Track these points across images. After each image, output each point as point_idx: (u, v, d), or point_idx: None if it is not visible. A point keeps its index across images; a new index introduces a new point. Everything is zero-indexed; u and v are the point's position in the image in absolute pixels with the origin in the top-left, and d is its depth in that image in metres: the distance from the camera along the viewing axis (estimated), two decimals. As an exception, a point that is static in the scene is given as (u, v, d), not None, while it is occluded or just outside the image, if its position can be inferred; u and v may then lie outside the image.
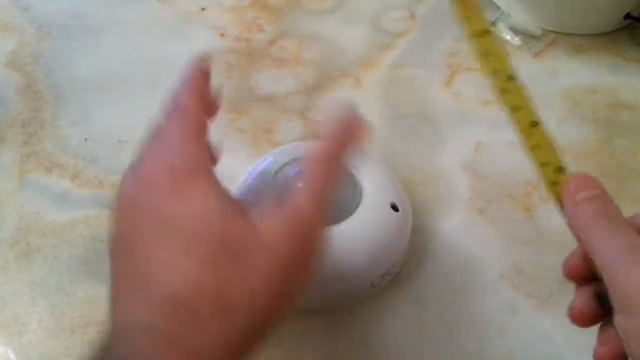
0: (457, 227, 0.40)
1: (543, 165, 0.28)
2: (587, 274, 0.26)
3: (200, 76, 0.31)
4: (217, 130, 0.45)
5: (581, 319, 0.26)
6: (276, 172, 0.36)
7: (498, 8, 0.54)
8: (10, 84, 0.49)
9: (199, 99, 0.29)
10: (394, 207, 0.35)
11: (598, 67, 0.50)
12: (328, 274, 0.33)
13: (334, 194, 0.27)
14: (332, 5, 0.56)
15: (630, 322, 0.22)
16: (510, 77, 0.28)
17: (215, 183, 0.26)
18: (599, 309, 0.26)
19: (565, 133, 0.45)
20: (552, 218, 0.40)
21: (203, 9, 0.55)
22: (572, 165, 0.43)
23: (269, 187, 0.36)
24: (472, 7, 0.28)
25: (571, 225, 0.26)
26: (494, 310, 0.36)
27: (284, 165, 0.36)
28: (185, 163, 0.26)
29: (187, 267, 0.23)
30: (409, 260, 0.38)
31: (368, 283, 0.34)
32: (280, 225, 0.25)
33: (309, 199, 0.26)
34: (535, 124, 0.28)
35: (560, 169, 0.27)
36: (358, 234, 0.34)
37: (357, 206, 0.35)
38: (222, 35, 0.53)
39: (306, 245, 0.26)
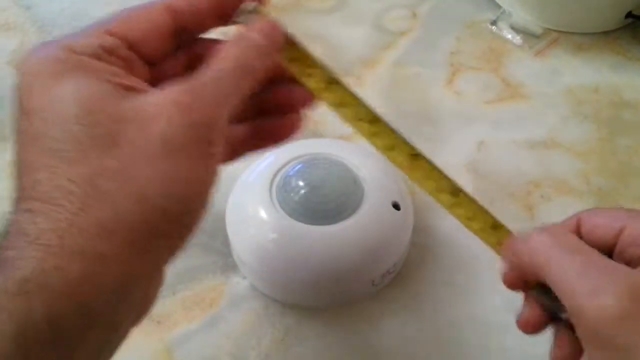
0: (458, 226, 0.40)
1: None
2: (525, 282, 0.26)
3: None
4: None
5: (529, 328, 0.26)
6: (277, 171, 0.36)
7: (499, 7, 0.54)
8: (12, 83, 0.49)
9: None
10: (396, 206, 0.35)
11: (600, 66, 0.50)
12: (329, 272, 0.33)
13: (244, 88, 0.23)
14: (334, 4, 0.56)
15: (599, 355, 0.21)
16: (375, 119, 0.27)
17: (98, 74, 0.22)
18: (546, 316, 0.26)
19: (567, 132, 0.45)
20: (553, 217, 0.40)
21: (205, 8, 0.55)
22: (574, 164, 0.43)
23: (269, 186, 0.36)
24: (306, 56, 0.26)
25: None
26: (495, 309, 0.36)
27: (285, 164, 0.36)
28: (68, 54, 0.22)
29: (53, 162, 0.20)
30: (410, 260, 0.38)
31: (369, 282, 0.34)
32: (173, 97, 0.21)
33: (212, 77, 0.22)
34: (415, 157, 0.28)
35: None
36: (359, 233, 0.34)
37: (358, 205, 0.35)
38: (223, 34, 0.52)
39: (204, 131, 0.22)
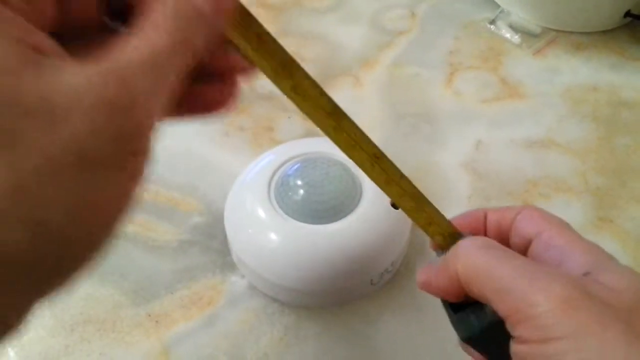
0: (457, 225, 0.40)
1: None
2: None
3: None
4: (217, 128, 0.45)
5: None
6: (275, 170, 0.36)
7: (498, 6, 0.54)
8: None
9: None
10: (394, 205, 0.35)
11: (598, 65, 0.50)
12: (328, 272, 0.33)
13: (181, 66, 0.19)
14: (332, 4, 0.56)
15: (547, 348, 0.20)
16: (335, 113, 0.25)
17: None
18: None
19: (566, 131, 0.45)
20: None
21: (203, 8, 0.55)
22: (572, 163, 0.43)
23: (268, 185, 0.36)
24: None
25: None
26: (494, 308, 0.36)
27: (283, 163, 0.36)
28: None
29: None
30: (409, 258, 0.38)
31: (368, 281, 0.34)
32: (95, 86, 0.16)
33: (145, 58, 0.17)
34: (377, 156, 0.26)
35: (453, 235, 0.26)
36: (358, 232, 0.34)
37: (357, 204, 0.35)
38: (222, 34, 0.53)
39: (132, 138, 0.17)
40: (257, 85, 0.48)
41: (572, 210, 0.40)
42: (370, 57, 0.51)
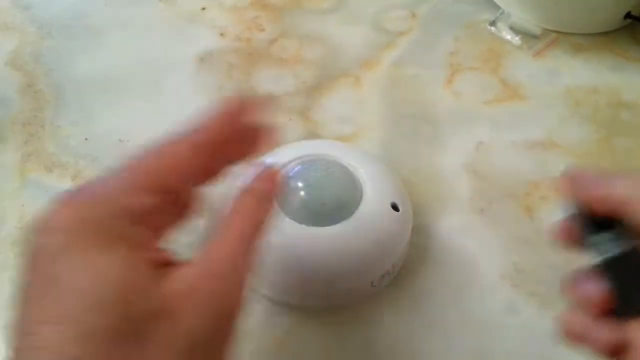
0: (458, 227, 0.40)
1: None
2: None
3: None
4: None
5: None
6: None
7: (498, 7, 0.54)
8: (11, 84, 0.49)
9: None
10: (395, 207, 0.35)
11: (598, 66, 0.50)
12: (328, 274, 0.33)
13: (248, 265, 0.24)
14: (333, 4, 0.56)
15: None
16: None
17: (130, 247, 0.21)
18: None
19: (566, 133, 0.45)
20: (552, 218, 0.40)
21: (203, 8, 0.55)
22: (573, 164, 0.43)
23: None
24: None
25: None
26: (494, 310, 0.36)
27: (284, 165, 0.36)
28: (100, 217, 0.21)
29: (77, 352, 0.18)
30: (410, 260, 0.38)
31: (368, 283, 0.34)
32: (196, 283, 0.22)
33: (226, 253, 0.23)
34: None
35: None
36: (359, 234, 0.34)
37: (357, 206, 0.35)
38: (222, 35, 0.53)
39: (228, 319, 0.22)
40: (258, 87, 0.48)
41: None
42: (370, 57, 0.51)
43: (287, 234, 0.34)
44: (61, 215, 0.21)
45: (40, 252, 0.21)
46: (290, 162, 0.37)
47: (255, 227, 0.25)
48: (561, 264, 0.38)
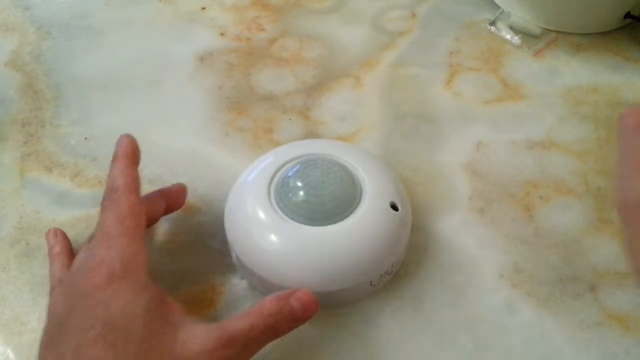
0: (457, 226, 0.40)
1: None
2: None
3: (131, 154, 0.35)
4: (217, 129, 0.45)
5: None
6: (275, 172, 0.36)
7: (498, 7, 0.54)
8: (11, 84, 0.49)
9: (133, 180, 0.33)
10: (394, 207, 0.35)
11: (598, 66, 0.50)
12: (327, 273, 0.33)
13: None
14: (333, 4, 0.56)
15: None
16: None
17: (147, 284, 0.30)
18: None
19: (566, 132, 0.45)
20: (552, 218, 0.40)
21: (203, 8, 0.55)
22: (573, 164, 0.43)
23: (267, 186, 0.36)
24: None
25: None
26: (494, 309, 0.36)
27: (283, 164, 0.36)
28: (119, 257, 0.30)
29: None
30: (409, 260, 0.38)
31: (367, 282, 0.34)
32: (213, 344, 0.28)
33: (245, 331, 0.29)
34: None
35: None
36: (358, 233, 0.34)
37: (357, 205, 0.35)
38: (222, 34, 0.53)
39: None
40: (258, 86, 0.48)
41: (572, 212, 0.40)
42: (370, 57, 0.51)
43: (286, 233, 0.34)
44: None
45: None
46: (290, 161, 0.37)
47: (284, 327, 0.31)
48: (561, 264, 0.38)
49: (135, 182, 0.33)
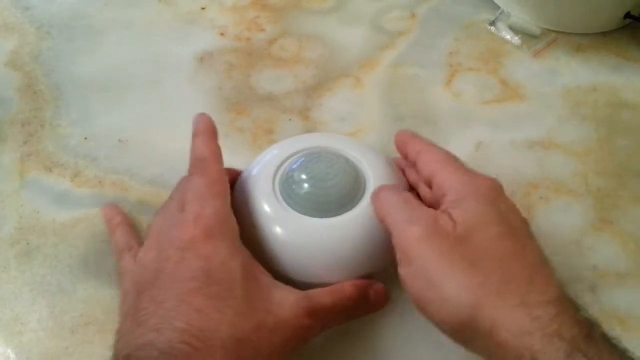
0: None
1: None
2: None
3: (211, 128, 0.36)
4: (217, 130, 0.45)
5: None
6: (280, 165, 0.36)
7: (498, 7, 0.54)
8: (11, 84, 0.49)
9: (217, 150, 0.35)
10: None
11: (599, 66, 0.50)
12: (332, 264, 0.33)
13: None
14: (333, 5, 0.56)
15: (407, 270, 0.29)
16: None
17: (241, 246, 0.31)
18: None
19: (566, 133, 0.45)
20: (552, 218, 0.40)
21: (203, 8, 0.55)
22: (573, 164, 0.43)
23: (272, 179, 0.36)
24: None
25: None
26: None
27: (288, 157, 0.36)
28: (216, 216, 0.31)
29: (206, 305, 0.28)
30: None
31: (369, 276, 0.34)
32: (300, 312, 0.30)
33: (330, 306, 0.31)
34: None
35: None
36: (363, 226, 0.34)
37: (361, 197, 0.35)
38: (222, 35, 0.53)
39: (302, 344, 0.30)
40: (258, 87, 0.48)
41: (573, 212, 0.40)
42: (370, 58, 0.51)
43: (291, 225, 0.34)
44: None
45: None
46: (294, 154, 0.37)
47: (355, 313, 0.33)
48: (561, 264, 0.38)
49: (219, 154, 0.35)
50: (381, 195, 0.33)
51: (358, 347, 0.34)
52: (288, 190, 0.35)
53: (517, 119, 0.46)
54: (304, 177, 0.35)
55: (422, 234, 0.28)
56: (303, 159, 0.36)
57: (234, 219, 0.32)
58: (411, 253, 0.29)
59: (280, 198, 0.35)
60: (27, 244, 0.39)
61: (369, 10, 0.55)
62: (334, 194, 0.34)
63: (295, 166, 0.36)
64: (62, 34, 0.53)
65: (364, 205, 0.34)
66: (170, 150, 0.44)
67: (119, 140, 0.45)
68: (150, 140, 0.45)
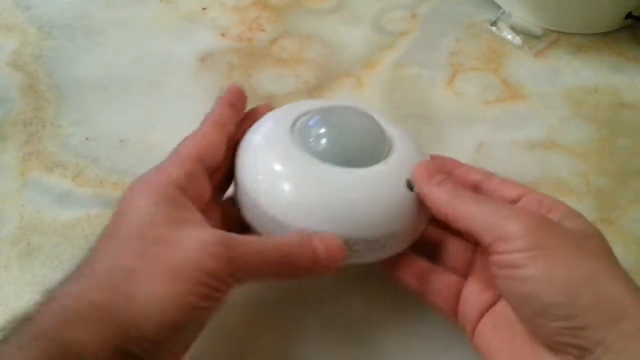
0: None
1: None
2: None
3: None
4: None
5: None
6: (294, 121, 0.33)
7: (499, 7, 0.54)
8: (12, 84, 0.49)
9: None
10: (410, 186, 0.32)
11: (599, 66, 0.50)
12: (349, 217, 0.30)
13: None
14: (334, 4, 0.56)
15: (517, 288, 0.26)
16: None
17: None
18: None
19: (567, 132, 0.45)
20: (553, 218, 0.40)
21: (204, 8, 0.55)
22: (574, 164, 0.43)
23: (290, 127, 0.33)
24: None
25: (432, 204, 0.30)
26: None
27: (302, 114, 0.34)
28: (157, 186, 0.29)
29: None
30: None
31: (376, 240, 0.31)
32: (212, 240, 0.27)
33: (255, 247, 0.28)
34: None
35: None
36: (387, 180, 0.31)
37: (387, 155, 0.32)
38: (223, 35, 0.53)
39: (216, 283, 0.27)
40: (259, 87, 0.48)
41: (573, 212, 0.40)
42: (371, 57, 0.51)
43: (312, 173, 0.31)
44: (141, 181, 0.30)
45: (122, 200, 0.29)
46: (307, 112, 0.34)
47: (302, 266, 0.29)
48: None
49: (204, 157, 0.31)
50: (442, 190, 0.30)
51: (359, 348, 0.34)
52: (306, 141, 0.32)
53: (518, 119, 0.46)
54: (322, 131, 0.32)
55: (530, 241, 0.26)
56: (322, 113, 0.33)
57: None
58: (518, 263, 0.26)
59: (299, 143, 0.32)
60: (28, 243, 0.39)
61: (369, 10, 0.55)
62: (357, 142, 0.32)
63: (312, 122, 0.33)
64: (63, 33, 0.53)
65: (391, 162, 0.32)
66: (170, 150, 0.44)
67: (120, 140, 0.45)
68: (151, 140, 0.45)
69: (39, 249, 0.39)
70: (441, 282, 0.32)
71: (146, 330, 0.24)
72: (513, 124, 0.46)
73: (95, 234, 0.39)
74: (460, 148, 0.44)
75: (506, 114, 0.47)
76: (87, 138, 0.45)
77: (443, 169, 0.32)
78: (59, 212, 0.41)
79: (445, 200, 0.29)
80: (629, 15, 0.51)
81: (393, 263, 0.33)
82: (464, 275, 0.32)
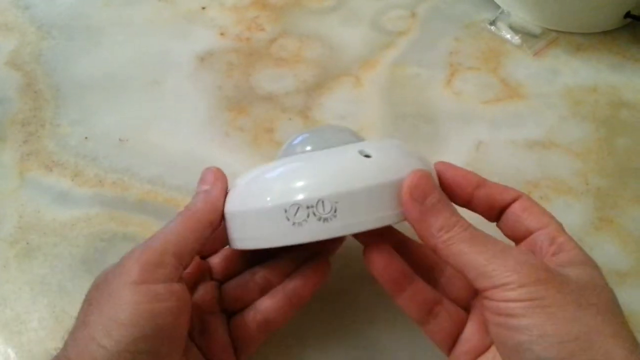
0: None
1: None
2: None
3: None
4: (217, 129, 0.45)
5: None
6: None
7: (498, 7, 0.54)
8: (11, 83, 0.49)
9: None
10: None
11: (598, 65, 0.50)
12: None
13: None
14: (333, 4, 0.56)
15: (515, 336, 0.25)
16: None
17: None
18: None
19: (566, 132, 0.45)
20: (552, 217, 0.40)
21: (203, 8, 0.55)
22: (573, 163, 0.43)
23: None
24: None
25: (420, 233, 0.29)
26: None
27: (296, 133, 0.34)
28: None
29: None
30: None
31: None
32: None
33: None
34: None
35: None
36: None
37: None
38: (222, 34, 0.53)
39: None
40: (258, 86, 0.48)
41: (572, 211, 0.40)
42: (370, 57, 0.51)
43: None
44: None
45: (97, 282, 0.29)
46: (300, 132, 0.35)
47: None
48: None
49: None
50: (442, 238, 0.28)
51: (359, 347, 0.34)
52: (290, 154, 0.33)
53: (517, 118, 0.46)
54: (307, 148, 0.33)
55: (530, 292, 0.25)
56: (307, 133, 0.34)
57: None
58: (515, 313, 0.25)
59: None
60: (27, 243, 0.39)
61: (369, 10, 0.55)
62: (327, 136, 0.33)
63: (296, 141, 0.34)
64: (62, 33, 0.53)
65: (355, 146, 0.31)
66: (170, 150, 0.44)
67: (119, 140, 0.45)
68: (150, 139, 0.45)
69: (38, 249, 0.39)
70: (448, 320, 0.30)
71: None
72: (512, 124, 0.46)
73: (94, 233, 0.40)
74: (459, 147, 0.44)
75: (505, 113, 0.47)
76: (86, 137, 0.45)
77: (430, 185, 0.29)
78: (58, 211, 0.41)
79: (436, 233, 0.28)
80: (627, 15, 0.51)
81: (398, 288, 0.30)
82: (466, 307, 0.31)
